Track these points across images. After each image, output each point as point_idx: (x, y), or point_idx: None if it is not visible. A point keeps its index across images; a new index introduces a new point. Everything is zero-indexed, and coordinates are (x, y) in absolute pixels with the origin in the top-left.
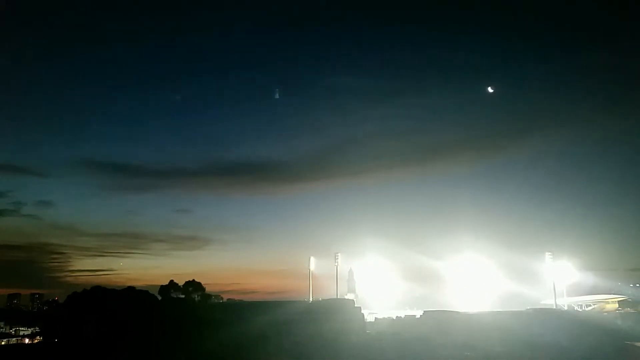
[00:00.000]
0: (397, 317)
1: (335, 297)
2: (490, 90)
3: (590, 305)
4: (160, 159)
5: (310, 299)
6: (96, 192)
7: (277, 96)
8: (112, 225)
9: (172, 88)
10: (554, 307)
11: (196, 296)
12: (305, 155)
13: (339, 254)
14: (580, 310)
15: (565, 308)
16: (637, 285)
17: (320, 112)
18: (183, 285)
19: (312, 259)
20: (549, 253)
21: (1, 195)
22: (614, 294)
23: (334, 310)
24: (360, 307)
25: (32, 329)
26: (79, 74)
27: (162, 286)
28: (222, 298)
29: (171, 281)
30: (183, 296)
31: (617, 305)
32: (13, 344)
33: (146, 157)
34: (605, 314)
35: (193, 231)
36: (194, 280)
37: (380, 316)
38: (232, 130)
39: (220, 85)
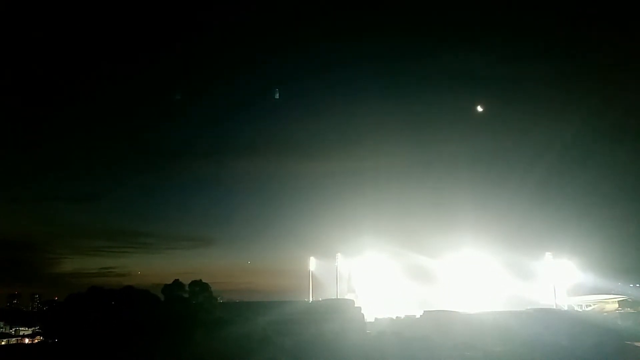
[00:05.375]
0: (397, 317)
1: (335, 297)
2: (479, 109)
3: (590, 305)
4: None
5: (310, 299)
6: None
7: (277, 96)
8: (113, 223)
9: (173, 84)
10: (554, 307)
11: (201, 297)
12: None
13: (339, 254)
14: (580, 310)
15: (565, 308)
16: (637, 285)
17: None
18: (189, 285)
19: (312, 259)
20: (549, 253)
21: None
22: (614, 294)
23: (334, 310)
24: (360, 307)
25: (32, 329)
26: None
27: (165, 285)
28: (222, 298)
29: (175, 280)
30: (187, 296)
31: (617, 305)
32: (13, 344)
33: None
34: (605, 314)
35: (192, 229)
36: (200, 280)
37: (380, 316)
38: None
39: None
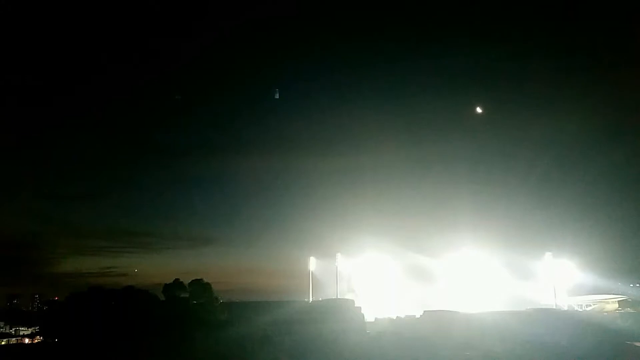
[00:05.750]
0: (397, 317)
1: (335, 297)
2: (478, 110)
3: (590, 305)
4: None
5: (310, 299)
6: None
7: (276, 96)
8: (114, 222)
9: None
10: (554, 307)
11: (202, 296)
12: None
13: (339, 254)
14: (580, 310)
15: (565, 308)
16: (637, 285)
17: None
18: (189, 285)
19: (312, 259)
20: (549, 252)
21: None
22: (614, 294)
23: (334, 310)
24: (360, 307)
25: (32, 329)
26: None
27: (165, 285)
28: (222, 298)
29: (176, 280)
30: (187, 295)
31: (617, 305)
32: (13, 344)
33: None
34: (605, 314)
35: (192, 228)
36: (201, 280)
37: (380, 316)
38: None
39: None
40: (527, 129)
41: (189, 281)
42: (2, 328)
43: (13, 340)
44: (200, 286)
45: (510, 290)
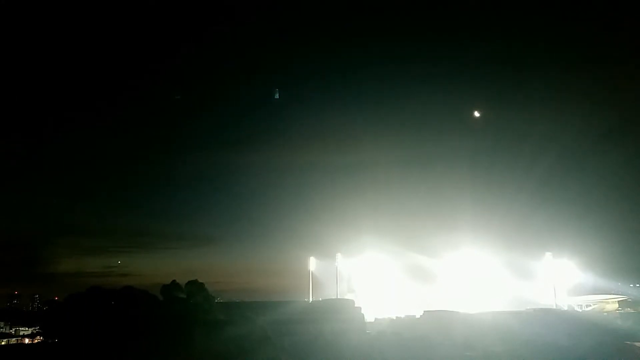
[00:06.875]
0: (397, 317)
1: (335, 297)
2: (477, 114)
3: (590, 305)
4: None
5: (310, 299)
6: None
7: (276, 96)
8: (114, 221)
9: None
10: (554, 307)
11: (198, 297)
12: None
13: (339, 254)
14: (580, 310)
15: (565, 308)
16: (637, 285)
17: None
18: (185, 285)
19: (312, 259)
20: (549, 253)
21: None
22: (614, 294)
23: (334, 310)
24: (360, 307)
25: (32, 329)
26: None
27: (163, 286)
28: (221, 298)
29: (173, 281)
30: (184, 296)
31: (617, 305)
32: (13, 344)
33: None
34: (605, 314)
35: (192, 228)
36: (196, 280)
37: (380, 316)
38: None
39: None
40: (527, 129)
41: (185, 282)
42: (2, 328)
43: (13, 340)
44: (196, 286)
45: (510, 290)
